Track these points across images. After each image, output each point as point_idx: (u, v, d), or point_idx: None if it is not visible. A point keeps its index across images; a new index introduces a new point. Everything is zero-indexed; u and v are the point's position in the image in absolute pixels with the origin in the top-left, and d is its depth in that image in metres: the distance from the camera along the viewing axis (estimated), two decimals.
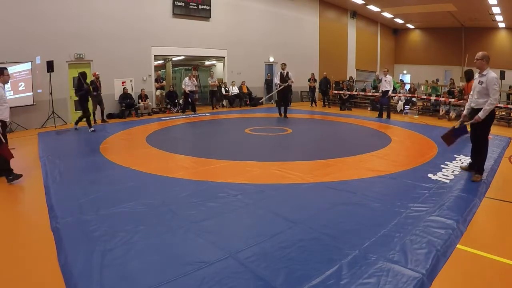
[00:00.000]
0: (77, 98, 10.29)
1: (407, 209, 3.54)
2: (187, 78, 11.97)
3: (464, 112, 4.70)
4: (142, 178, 4.70)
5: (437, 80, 14.26)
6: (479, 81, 4.34)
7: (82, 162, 5.66)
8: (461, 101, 10.70)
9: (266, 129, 8.87)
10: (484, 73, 4.32)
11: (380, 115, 11.29)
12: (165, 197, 3.95)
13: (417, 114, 12.50)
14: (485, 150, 4.55)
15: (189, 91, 11.86)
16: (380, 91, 11.48)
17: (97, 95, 9.75)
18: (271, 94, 11.64)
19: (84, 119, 8.50)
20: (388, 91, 11.13)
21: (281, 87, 10.39)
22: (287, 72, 10.50)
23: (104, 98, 10.09)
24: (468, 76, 8.19)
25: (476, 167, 4.61)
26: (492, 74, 4.27)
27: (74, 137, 8.25)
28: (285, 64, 10.68)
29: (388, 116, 11.16)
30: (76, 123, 8.88)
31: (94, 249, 2.73)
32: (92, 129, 8.44)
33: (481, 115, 4.26)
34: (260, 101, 11.98)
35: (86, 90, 8.48)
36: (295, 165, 5.32)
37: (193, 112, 12.13)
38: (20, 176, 4.69)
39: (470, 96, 4.69)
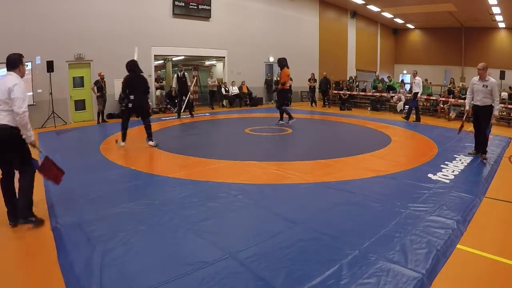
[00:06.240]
0: (78, 98, 10.41)
1: (407, 209, 3.53)
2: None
3: (467, 108, 5.96)
4: (142, 178, 4.70)
5: (426, 80, 14.20)
6: (483, 85, 5.57)
7: (82, 162, 5.65)
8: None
9: (266, 129, 8.87)
10: (486, 79, 5.57)
11: (407, 118, 10.74)
12: (165, 197, 3.95)
13: None
14: (487, 135, 5.85)
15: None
16: (412, 93, 10.81)
17: (102, 95, 9.81)
18: (185, 101, 10.62)
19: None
20: (418, 93, 10.57)
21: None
22: (184, 73, 10.44)
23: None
24: (282, 63, 9.16)
25: (481, 149, 5.83)
26: (492, 79, 5.61)
27: (74, 137, 8.25)
28: (181, 66, 10.56)
29: (418, 119, 10.62)
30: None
31: (94, 249, 2.73)
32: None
33: (496, 113, 5.66)
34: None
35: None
36: (295, 165, 5.32)
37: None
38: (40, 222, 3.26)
39: (468, 96, 5.91)
